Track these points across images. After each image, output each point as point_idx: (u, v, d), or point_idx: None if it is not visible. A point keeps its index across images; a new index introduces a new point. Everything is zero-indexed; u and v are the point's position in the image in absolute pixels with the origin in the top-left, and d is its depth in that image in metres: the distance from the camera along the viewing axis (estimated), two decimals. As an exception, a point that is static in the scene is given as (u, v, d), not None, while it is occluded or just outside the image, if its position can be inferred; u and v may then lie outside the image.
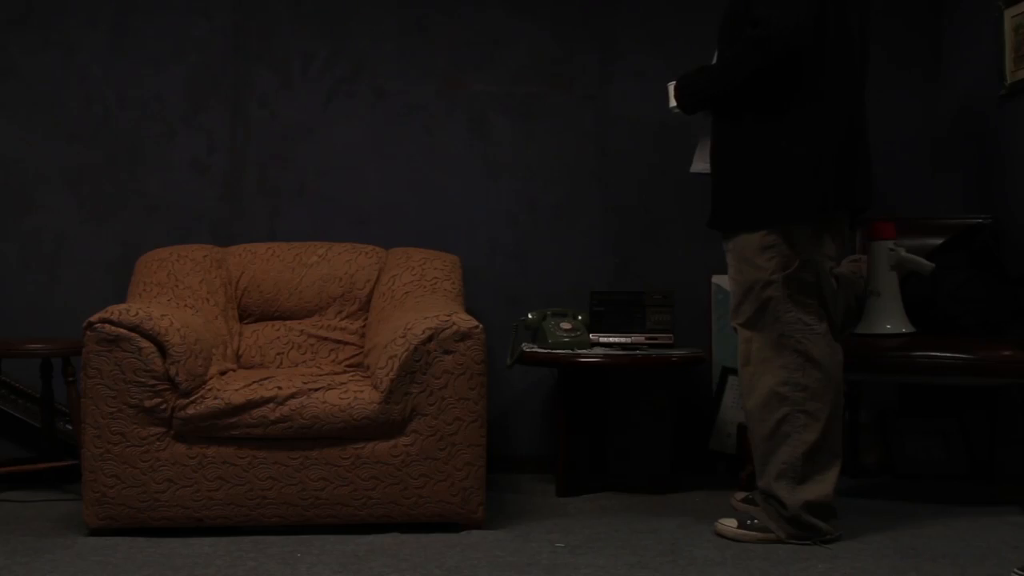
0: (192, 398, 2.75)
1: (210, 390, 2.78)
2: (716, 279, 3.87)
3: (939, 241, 3.44)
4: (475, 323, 2.82)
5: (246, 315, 3.41)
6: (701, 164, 2.96)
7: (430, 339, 2.78)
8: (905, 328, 3.19)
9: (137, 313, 2.77)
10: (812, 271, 2.69)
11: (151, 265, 3.33)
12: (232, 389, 2.78)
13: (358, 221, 3.80)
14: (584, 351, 3.30)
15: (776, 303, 2.67)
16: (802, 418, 2.66)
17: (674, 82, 2.88)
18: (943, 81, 3.95)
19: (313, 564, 2.47)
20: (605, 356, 3.24)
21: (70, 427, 3.46)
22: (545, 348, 3.35)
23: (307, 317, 3.41)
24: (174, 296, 3.22)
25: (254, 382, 2.82)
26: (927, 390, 3.79)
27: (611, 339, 3.42)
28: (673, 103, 2.89)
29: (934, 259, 3.32)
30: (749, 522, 2.72)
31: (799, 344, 2.67)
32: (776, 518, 2.67)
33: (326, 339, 3.35)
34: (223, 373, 2.98)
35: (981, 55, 3.67)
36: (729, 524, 2.74)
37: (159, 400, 2.73)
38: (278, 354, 3.32)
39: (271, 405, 2.76)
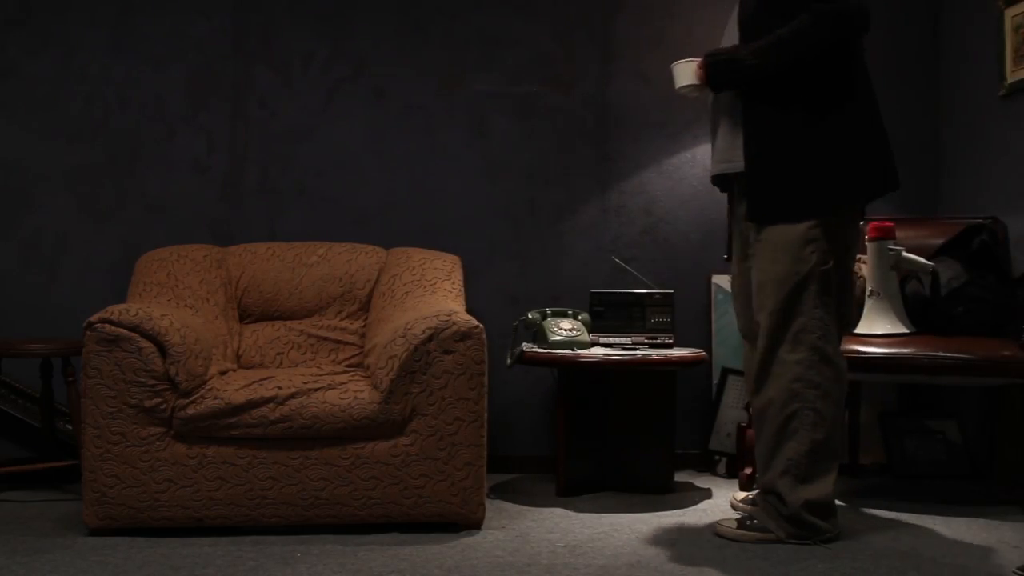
0: (192, 398, 2.75)
1: (210, 390, 2.78)
2: (716, 279, 3.87)
3: (939, 241, 3.44)
4: (475, 323, 2.82)
5: (246, 315, 3.41)
6: (727, 164, 2.80)
7: (430, 339, 2.78)
8: (905, 328, 3.20)
9: (137, 313, 2.77)
10: (842, 269, 2.71)
11: (151, 265, 3.33)
12: (232, 389, 2.78)
13: (358, 221, 3.80)
14: (584, 351, 3.30)
15: (807, 297, 2.65)
16: (811, 416, 2.64)
17: (690, 60, 2.74)
18: (943, 81, 3.95)
19: (313, 564, 2.47)
20: (605, 356, 3.24)
21: (70, 427, 3.46)
22: (545, 348, 3.34)
23: (307, 317, 3.41)
24: (174, 296, 3.22)
25: (254, 382, 2.82)
26: (927, 390, 3.79)
27: (611, 339, 3.42)
28: (687, 82, 2.74)
29: (934, 259, 3.33)
30: (749, 522, 2.71)
31: (817, 341, 2.66)
32: (775, 517, 2.67)
33: (326, 339, 3.35)
34: (223, 373, 2.98)
35: (981, 55, 3.68)
36: (729, 524, 2.74)
37: (159, 400, 2.73)
38: (278, 354, 3.32)
39: (271, 405, 2.76)
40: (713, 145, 2.87)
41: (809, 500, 2.64)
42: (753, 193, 2.71)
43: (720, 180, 2.90)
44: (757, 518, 2.71)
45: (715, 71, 2.69)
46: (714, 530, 2.77)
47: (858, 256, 3.54)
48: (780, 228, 2.67)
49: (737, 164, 2.74)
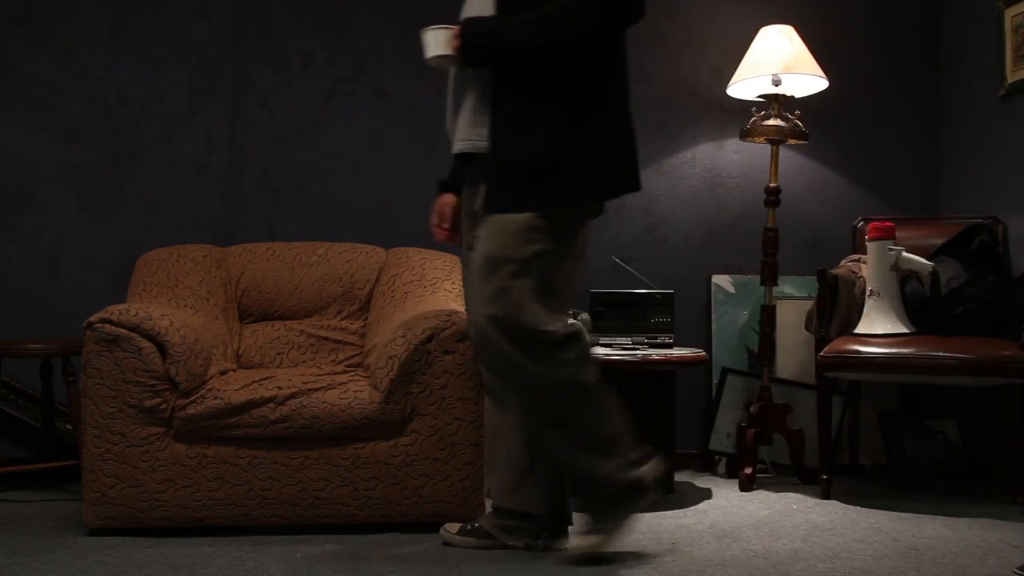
0: (192, 398, 2.75)
1: (210, 390, 2.78)
2: (716, 279, 3.87)
3: (939, 241, 3.44)
4: (475, 323, 2.81)
5: (246, 315, 3.41)
6: (467, 143, 2.50)
7: (430, 339, 2.78)
8: (905, 328, 3.20)
9: (137, 313, 2.77)
10: (566, 269, 2.46)
11: (151, 265, 3.33)
12: (232, 389, 2.78)
13: (358, 221, 3.80)
14: (584, 351, 3.29)
15: (524, 289, 2.38)
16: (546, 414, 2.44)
17: (443, 27, 2.40)
18: (943, 81, 3.95)
19: (313, 564, 2.47)
20: (605, 356, 3.23)
21: (70, 427, 3.46)
22: (545, 348, 3.34)
23: (307, 317, 3.40)
24: (174, 296, 3.22)
25: (254, 382, 2.82)
26: (927, 390, 3.79)
27: (611, 339, 3.42)
28: (440, 52, 2.40)
29: (934, 259, 3.33)
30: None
31: (541, 336, 2.38)
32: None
33: (326, 339, 3.35)
34: (223, 373, 2.98)
35: (981, 55, 3.68)
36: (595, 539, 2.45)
37: (159, 400, 2.73)
38: (278, 354, 3.32)
39: (271, 405, 2.76)
40: (454, 118, 2.56)
41: (616, 467, 2.42)
42: (491, 181, 2.43)
43: (460, 158, 2.60)
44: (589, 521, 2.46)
45: (472, 44, 2.38)
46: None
47: (858, 256, 3.55)
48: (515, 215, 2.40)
49: (481, 144, 2.46)
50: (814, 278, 3.43)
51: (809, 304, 3.55)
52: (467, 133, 2.50)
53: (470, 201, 2.59)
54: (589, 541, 2.45)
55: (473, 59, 2.40)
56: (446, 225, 2.73)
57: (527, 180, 2.40)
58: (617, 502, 2.43)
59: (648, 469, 2.47)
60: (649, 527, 2.87)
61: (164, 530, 2.75)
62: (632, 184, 2.55)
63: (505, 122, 2.42)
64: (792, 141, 3.59)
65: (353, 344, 3.35)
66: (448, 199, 2.74)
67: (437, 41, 2.40)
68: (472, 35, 2.38)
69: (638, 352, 3.30)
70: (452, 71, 2.55)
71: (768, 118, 3.54)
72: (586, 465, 2.44)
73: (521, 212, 2.39)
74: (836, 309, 3.38)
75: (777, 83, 3.50)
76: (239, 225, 3.78)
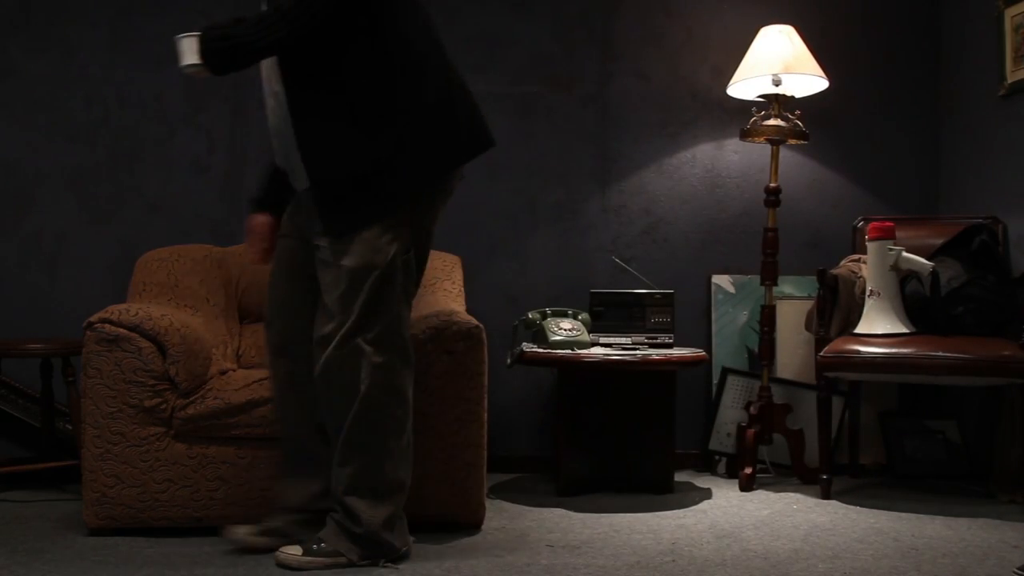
0: (192, 398, 2.75)
1: (210, 390, 2.78)
2: (716, 279, 3.87)
3: (939, 241, 3.44)
4: (475, 323, 2.82)
5: (246, 315, 3.40)
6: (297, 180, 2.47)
7: (430, 339, 2.77)
8: (905, 328, 3.20)
9: (137, 313, 2.77)
10: (419, 253, 2.50)
11: (151, 265, 3.33)
12: (232, 389, 2.78)
13: (358, 221, 3.79)
14: (584, 351, 3.30)
15: (389, 292, 2.39)
16: (393, 425, 2.43)
17: (191, 34, 2.32)
18: (943, 81, 3.95)
19: (313, 564, 2.47)
20: (605, 356, 3.24)
21: (70, 427, 3.46)
22: (545, 348, 3.34)
23: (307, 317, 3.40)
24: (174, 296, 3.22)
25: (254, 382, 2.81)
26: (927, 390, 3.79)
27: (611, 339, 3.42)
28: (191, 60, 2.31)
29: (934, 259, 3.33)
30: (316, 547, 2.41)
31: (403, 343, 2.42)
32: (346, 537, 2.42)
33: (326, 339, 3.34)
34: (223, 373, 2.98)
35: (981, 55, 3.68)
36: (294, 552, 2.41)
37: (159, 400, 2.73)
38: (278, 354, 3.31)
39: (271, 405, 2.75)
40: (275, 147, 2.54)
41: (387, 517, 2.41)
42: (321, 205, 2.39)
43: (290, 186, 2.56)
44: (326, 540, 2.42)
45: (209, 50, 2.29)
46: (275, 560, 2.42)
47: (858, 256, 3.56)
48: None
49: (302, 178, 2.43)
50: (814, 278, 3.43)
51: (809, 304, 3.55)
52: (284, 161, 2.48)
53: (297, 215, 2.54)
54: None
55: (215, 65, 2.32)
56: (265, 245, 2.64)
57: (357, 190, 2.36)
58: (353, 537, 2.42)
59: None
60: (649, 527, 2.88)
61: (164, 530, 2.75)
62: (471, 148, 2.48)
63: (311, 140, 2.37)
64: (792, 141, 3.59)
65: (353, 344, 3.34)
66: (263, 219, 2.65)
67: (189, 49, 2.31)
68: (209, 40, 2.30)
69: (638, 352, 3.30)
70: (271, 103, 2.49)
71: (768, 118, 3.54)
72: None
73: (368, 226, 2.37)
74: (836, 309, 3.38)
75: (777, 83, 3.50)
76: (239, 225, 3.76)
